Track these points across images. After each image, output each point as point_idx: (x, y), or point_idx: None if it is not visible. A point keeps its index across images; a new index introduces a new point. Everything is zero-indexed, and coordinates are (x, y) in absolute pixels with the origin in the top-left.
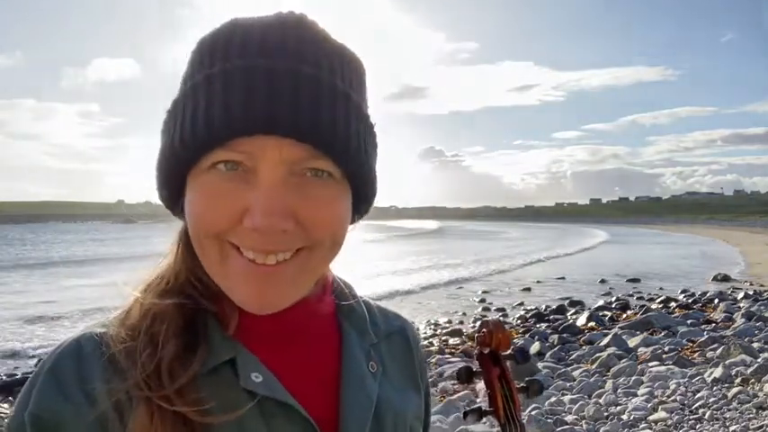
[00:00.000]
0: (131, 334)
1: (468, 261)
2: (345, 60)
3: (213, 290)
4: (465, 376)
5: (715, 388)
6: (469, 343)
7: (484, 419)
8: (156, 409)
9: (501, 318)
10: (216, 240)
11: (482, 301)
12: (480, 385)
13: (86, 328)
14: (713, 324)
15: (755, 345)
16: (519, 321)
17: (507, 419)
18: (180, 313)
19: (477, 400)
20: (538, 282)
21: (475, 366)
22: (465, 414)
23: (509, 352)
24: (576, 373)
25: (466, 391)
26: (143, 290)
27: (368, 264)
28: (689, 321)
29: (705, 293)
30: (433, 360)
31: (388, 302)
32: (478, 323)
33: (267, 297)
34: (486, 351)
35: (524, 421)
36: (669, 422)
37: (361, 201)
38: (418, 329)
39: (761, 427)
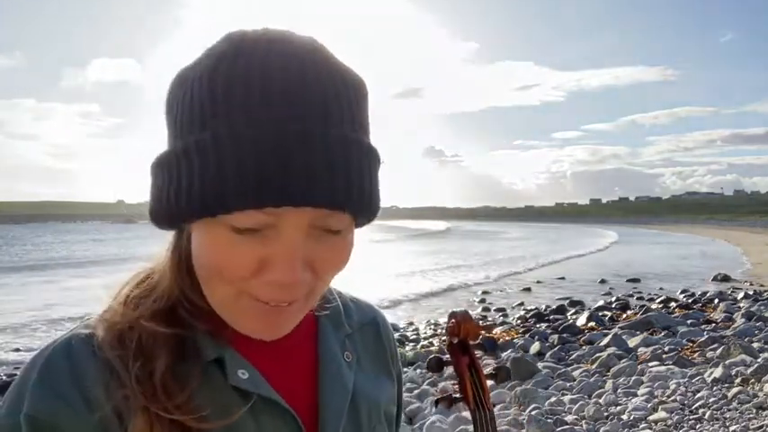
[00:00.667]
0: (121, 341)
1: (487, 263)
2: (359, 95)
3: (205, 309)
4: (435, 366)
5: (715, 388)
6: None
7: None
8: (155, 417)
9: (501, 318)
10: (229, 285)
11: (482, 301)
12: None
13: (72, 329)
14: (713, 324)
15: (755, 345)
16: (519, 321)
17: (477, 406)
18: (172, 333)
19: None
20: (538, 282)
21: (445, 357)
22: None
23: (478, 341)
24: (576, 373)
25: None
26: (130, 300)
27: (393, 265)
28: (689, 321)
29: (705, 293)
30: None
31: (408, 306)
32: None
33: (275, 329)
34: (455, 341)
35: (494, 408)
36: (669, 422)
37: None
38: (417, 328)
39: (761, 427)
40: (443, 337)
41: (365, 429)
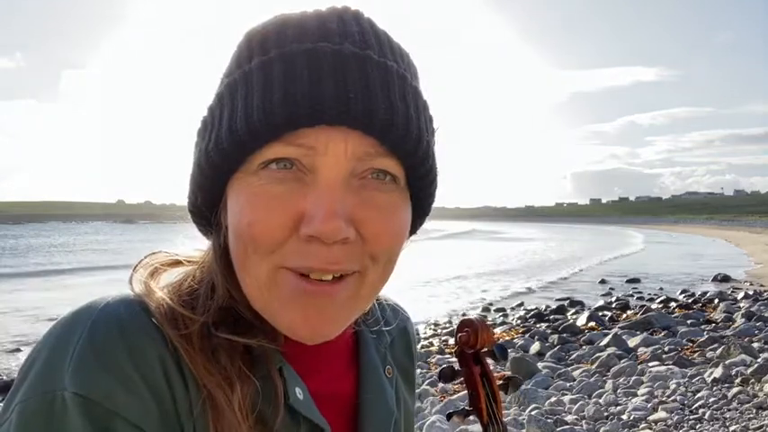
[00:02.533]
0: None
1: (531, 266)
2: (405, 53)
3: (247, 320)
4: (449, 376)
5: (715, 388)
6: (448, 340)
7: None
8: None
9: (501, 318)
10: (266, 258)
11: (482, 300)
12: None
13: (106, 297)
14: (713, 324)
15: (755, 345)
16: (519, 321)
17: (490, 419)
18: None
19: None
20: (538, 281)
21: (457, 365)
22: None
23: (488, 350)
24: (576, 373)
25: (464, 392)
26: (178, 302)
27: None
28: (689, 321)
29: (705, 293)
30: (433, 360)
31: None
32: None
33: (319, 323)
34: (470, 351)
35: (506, 420)
36: (669, 422)
37: (420, 214)
38: (418, 332)
39: (761, 427)
40: (449, 342)
41: None
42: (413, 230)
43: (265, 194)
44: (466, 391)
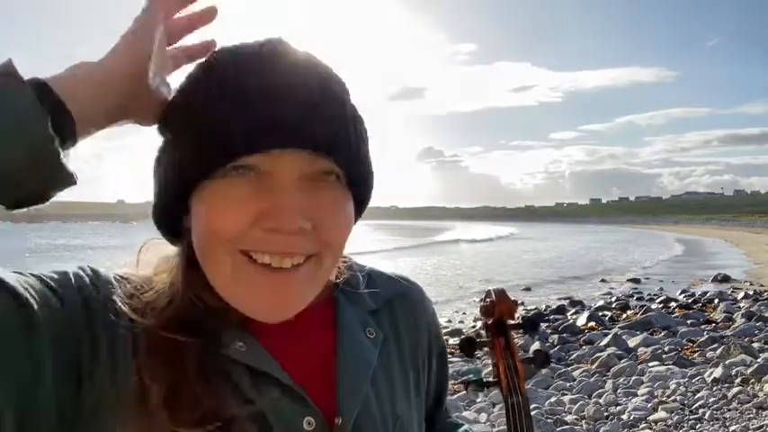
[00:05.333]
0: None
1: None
2: (335, 74)
3: (212, 306)
4: (467, 346)
5: (715, 388)
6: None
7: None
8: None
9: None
10: (229, 248)
11: (482, 300)
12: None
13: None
14: (713, 324)
15: (755, 345)
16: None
17: (510, 391)
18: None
19: (477, 400)
20: (538, 282)
21: (479, 338)
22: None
23: (516, 322)
24: (576, 373)
25: (464, 392)
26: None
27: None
28: (689, 321)
29: (705, 293)
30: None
31: None
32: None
33: (279, 304)
34: (490, 321)
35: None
36: (669, 422)
37: (360, 206)
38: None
39: (761, 427)
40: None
41: (387, 409)
42: (355, 220)
43: (227, 196)
44: (465, 392)
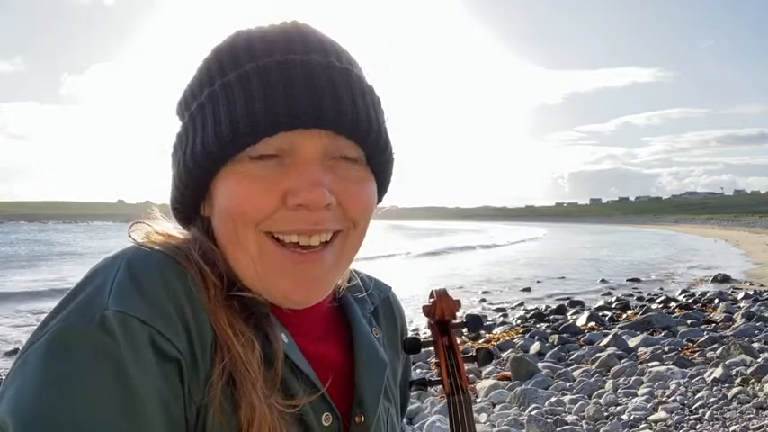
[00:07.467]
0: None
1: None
2: (351, 55)
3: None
4: (410, 347)
5: (715, 388)
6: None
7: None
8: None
9: (501, 318)
10: (254, 231)
11: (482, 300)
12: (480, 384)
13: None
14: (713, 324)
15: (755, 345)
16: (519, 321)
17: (452, 389)
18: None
19: (477, 400)
20: (538, 282)
21: (423, 338)
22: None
23: (459, 320)
24: (576, 373)
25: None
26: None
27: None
28: (689, 321)
29: (705, 293)
30: (434, 360)
31: None
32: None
33: (306, 286)
34: (433, 321)
35: (471, 393)
36: (669, 422)
37: (382, 188)
38: (417, 329)
39: (761, 427)
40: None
41: (391, 404)
42: (378, 201)
43: (252, 177)
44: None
